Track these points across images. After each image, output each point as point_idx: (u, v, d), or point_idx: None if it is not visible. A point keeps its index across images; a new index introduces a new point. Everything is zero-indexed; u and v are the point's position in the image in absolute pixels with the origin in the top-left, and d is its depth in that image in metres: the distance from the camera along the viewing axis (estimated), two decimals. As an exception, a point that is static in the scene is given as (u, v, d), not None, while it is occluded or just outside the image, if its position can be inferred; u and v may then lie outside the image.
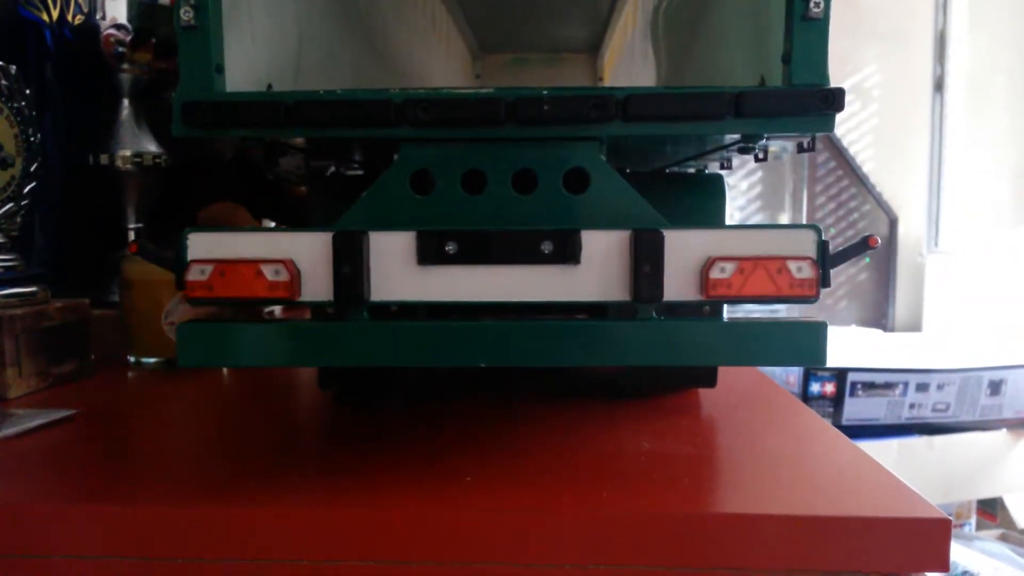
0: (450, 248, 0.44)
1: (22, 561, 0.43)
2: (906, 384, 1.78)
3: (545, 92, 0.42)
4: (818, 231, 0.42)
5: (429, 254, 0.44)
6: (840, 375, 1.78)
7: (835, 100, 0.41)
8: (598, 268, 0.43)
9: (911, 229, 2.21)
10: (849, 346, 1.99)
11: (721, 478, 0.48)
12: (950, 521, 0.40)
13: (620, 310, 0.44)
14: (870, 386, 1.79)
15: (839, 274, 2.29)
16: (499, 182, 0.44)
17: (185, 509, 0.43)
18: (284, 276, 0.43)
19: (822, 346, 0.42)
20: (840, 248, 0.43)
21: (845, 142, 2.18)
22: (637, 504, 0.43)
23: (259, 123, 0.43)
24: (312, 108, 0.43)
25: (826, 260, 0.42)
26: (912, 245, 2.21)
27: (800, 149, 0.49)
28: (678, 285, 0.43)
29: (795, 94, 0.42)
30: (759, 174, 2.21)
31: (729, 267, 0.42)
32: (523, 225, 0.44)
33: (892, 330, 2.21)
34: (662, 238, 0.42)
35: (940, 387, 1.79)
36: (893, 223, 2.22)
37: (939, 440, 1.73)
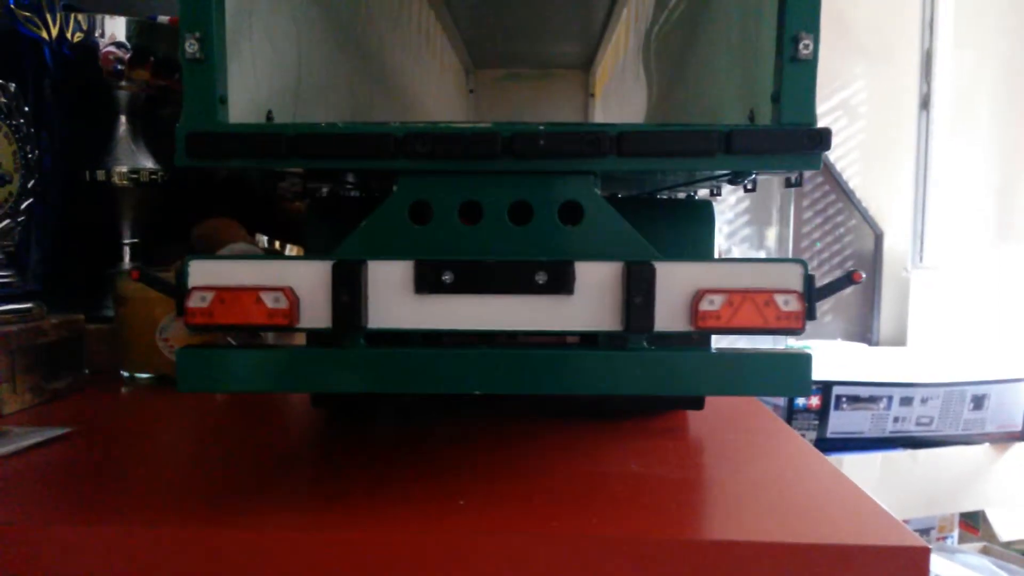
0: (447, 278, 0.45)
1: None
2: (890, 398, 1.80)
3: (541, 128, 0.43)
4: (804, 265, 0.43)
5: (426, 283, 0.45)
6: (825, 388, 1.80)
7: (822, 140, 0.43)
8: (591, 299, 0.44)
9: (896, 244, 2.24)
10: (834, 360, 2.01)
11: (706, 503, 0.49)
12: (928, 549, 0.41)
13: (611, 340, 0.45)
14: (855, 399, 1.81)
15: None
16: (495, 214, 0.45)
17: (181, 531, 0.44)
18: (283, 303, 0.44)
19: (807, 377, 0.44)
20: (826, 283, 0.44)
21: (832, 158, 2.20)
22: (625, 528, 0.44)
23: (261, 155, 0.44)
24: (313, 141, 0.44)
25: (812, 293, 0.44)
26: (897, 260, 2.24)
27: (788, 184, 0.50)
28: (668, 316, 0.44)
29: (784, 134, 0.43)
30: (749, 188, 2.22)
31: (718, 299, 0.43)
32: (519, 256, 0.45)
33: (877, 344, 2.24)
34: (653, 270, 0.44)
35: (924, 401, 1.81)
36: (879, 238, 2.24)
37: (922, 454, 1.75)
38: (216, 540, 0.44)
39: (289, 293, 0.44)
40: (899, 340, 2.23)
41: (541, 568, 0.43)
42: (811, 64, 0.43)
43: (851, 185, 2.23)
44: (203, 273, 0.45)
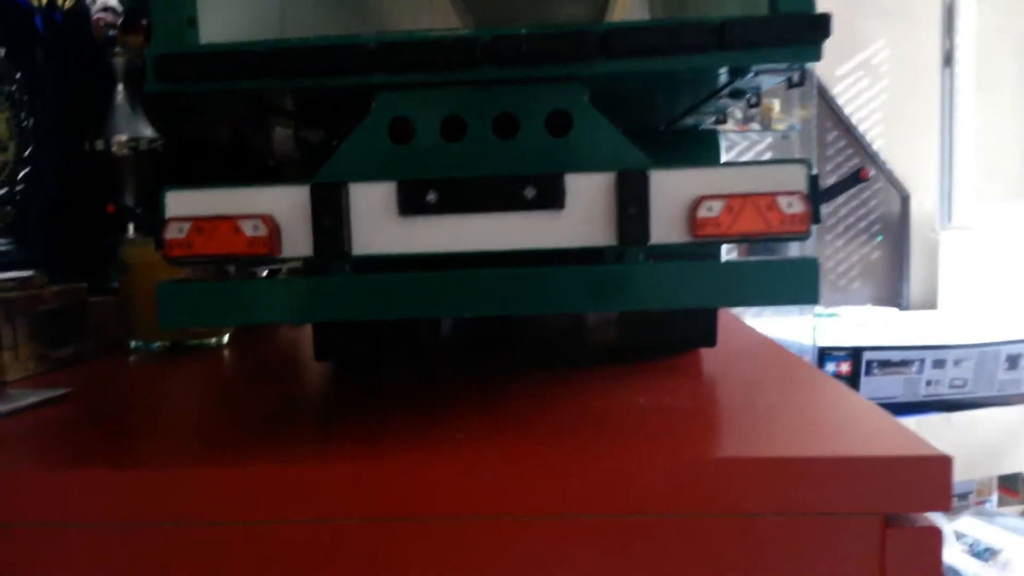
0: (431, 197, 0.43)
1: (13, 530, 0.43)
2: (922, 361, 1.76)
3: (523, 30, 0.41)
4: (808, 165, 0.41)
5: (410, 204, 0.43)
6: (855, 354, 1.77)
7: (821, 26, 0.40)
8: (583, 212, 0.42)
9: (923, 205, 2.18)
10: (865, 325, 1.97)
11: (717, 427, 0.47)
12: (950, 459, 0.39)
13: (612, 255, 0.43)
14: (886, 364, 1.77)
15: (852, 253, 2.26)
16: (479, 128, 0.43)
17: (180, 471, 0.43)
18: (263, 231, 0.43)
19: (814, 283, 0.41)
20: (831, 183, 0.42)
21: (854, 119, 2.15)
22: (629, 454, 0.42)
23: (232, 74, 0.42)
24: (284, 55, 0.42)
25: (817, 195, 0.41)
26: (925, 221, 2.18)
27: (789, 84, 0.47)
28: (665, 226, 0.42)
29: (780, 21, 0.40)
30: (768, 155, 2.19)
31: (717, 205, 0.41)
32: (505, 171, 0.43)
33: (907, 308, 2.19)
34: (647, 179, 0.41)
35: (957, 363, 1.77)
36: (905, 200, 2.19)
37: (957, 417, 1.72)
38: (213, 477, 0.42)
39: (268, 220, 0.43)
40: (930, 303, 2.18)
41: (540, 496, 0.41)
42: None
43: (875, 147, 2.17)
44: (179, 203, 0.43)
